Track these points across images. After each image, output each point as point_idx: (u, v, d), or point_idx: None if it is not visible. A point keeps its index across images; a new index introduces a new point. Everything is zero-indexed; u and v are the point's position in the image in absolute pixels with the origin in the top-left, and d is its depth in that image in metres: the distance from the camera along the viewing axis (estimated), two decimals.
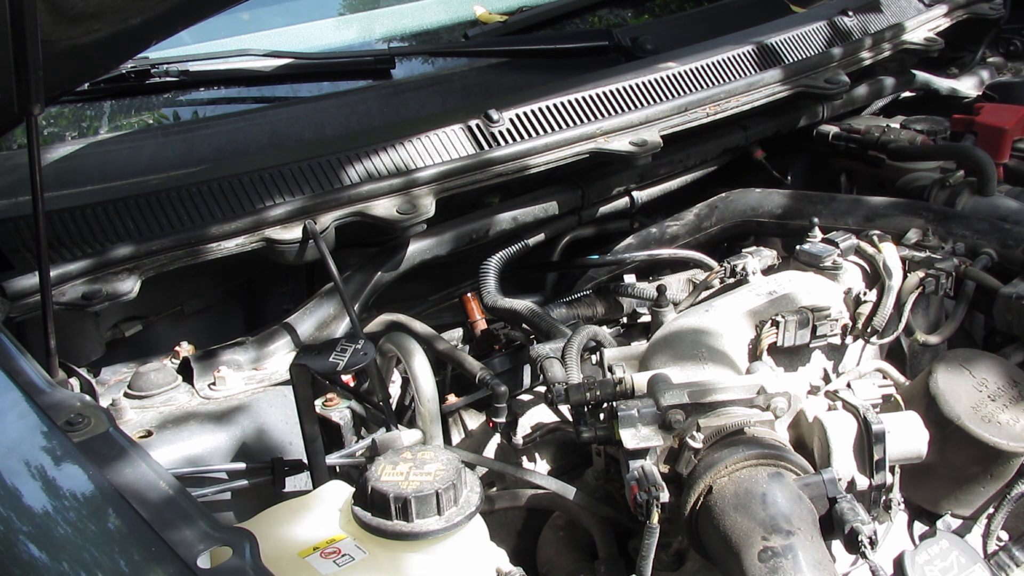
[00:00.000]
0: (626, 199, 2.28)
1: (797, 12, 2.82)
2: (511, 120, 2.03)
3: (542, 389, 1.63)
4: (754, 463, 1.34)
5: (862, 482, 1.43)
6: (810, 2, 2.90)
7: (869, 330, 1.75)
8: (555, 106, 2.08)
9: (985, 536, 1.62)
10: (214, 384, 1.60)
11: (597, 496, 1.55)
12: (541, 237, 2.14)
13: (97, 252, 1.62)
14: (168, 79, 2.13)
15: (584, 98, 2.12)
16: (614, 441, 1.42)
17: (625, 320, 2.02)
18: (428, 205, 1.83)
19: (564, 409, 1.61)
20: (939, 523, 1.63)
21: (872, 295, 1.76)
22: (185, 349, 1.68)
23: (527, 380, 1.86)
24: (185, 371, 1.63)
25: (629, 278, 2.09)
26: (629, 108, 2.13)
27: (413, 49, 2.53)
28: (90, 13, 1.40)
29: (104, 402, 1.53)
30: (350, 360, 1.48)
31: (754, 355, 1.65)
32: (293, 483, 1.50)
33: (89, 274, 1.59)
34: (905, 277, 1.82)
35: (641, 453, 1.37)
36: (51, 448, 1.14)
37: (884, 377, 1.70)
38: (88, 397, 1.25)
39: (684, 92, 2.22)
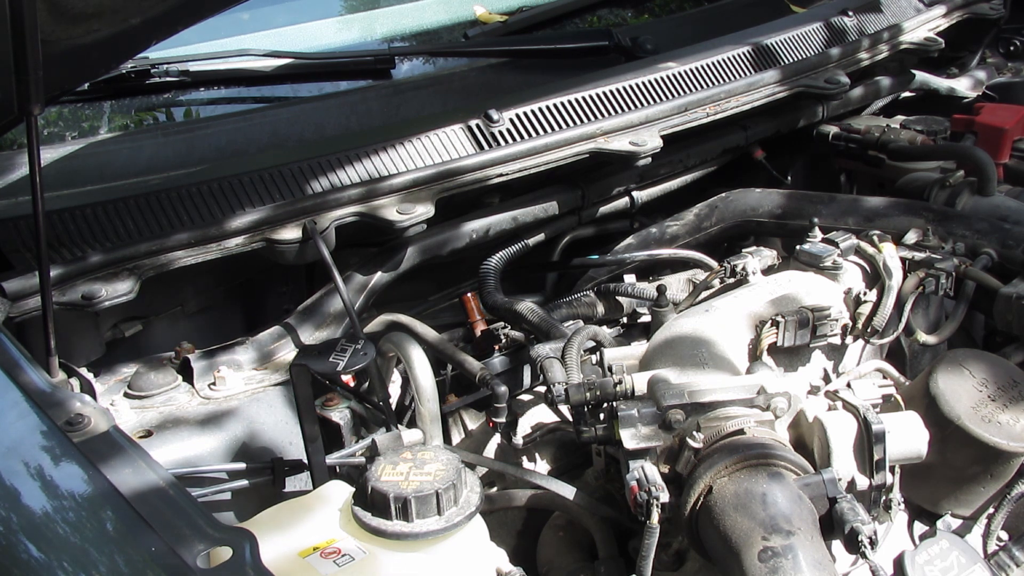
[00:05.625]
0: (626, 199, 2.28)
1: (797, 12, 2.82)
2: (511, 120, 2.03)
3: (542, 389, 1.63)
4: (754, 463, 1.34)
5: (862, 482, 1.43)
6: (810, 2, 2.90)
7: (869, 330, 1.75)
8: (555, 106, 2.08)
9: (985, 536, 1.62)
10: (214, 384, 1.60)
11: (597, 496, 1.55)
12: (541, 237, 2.14)
13: (97, 252, 1.62)
14: (168, 79, 2.13)
15: (584, 98, 2.12)
16: (614, 441, 1.42)
17: (625, 320, 2.02)
18: (428, 205, 1.83)
19: (564, 409, 1.61)
20: (939, 523, 1.63)
21: (872, 295, 1.76)
22: (185, 349, 1.68)
23: (527, 380, 1.86)
24: (185, 371, 1.63)
25: (629, 278, 2.09)
26: (629, 108, 2.13)
27: (413, 49, 2.53)
28: (90, 13, 1.40)
29: (104, 402, 1.53)
30: (350, 360, 1.48)
31: (754, 355, 1.65)
32: (293, 483, 1.50)
33: (89, 274, 1.59)
34: (905, 277, 1.82)
35: (641, 453, 1.38)
36: (51, 448, 1.14)
37: (884, 377, 1.70)
38: (88, 397, 1.25)
39: (684, 92, 2.22)
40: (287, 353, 1.71)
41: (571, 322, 1.90)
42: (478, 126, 2.00)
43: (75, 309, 1.58)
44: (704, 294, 1.86)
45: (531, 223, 2.09)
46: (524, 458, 1.66)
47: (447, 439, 1.71)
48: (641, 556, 1.30)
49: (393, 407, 1.72)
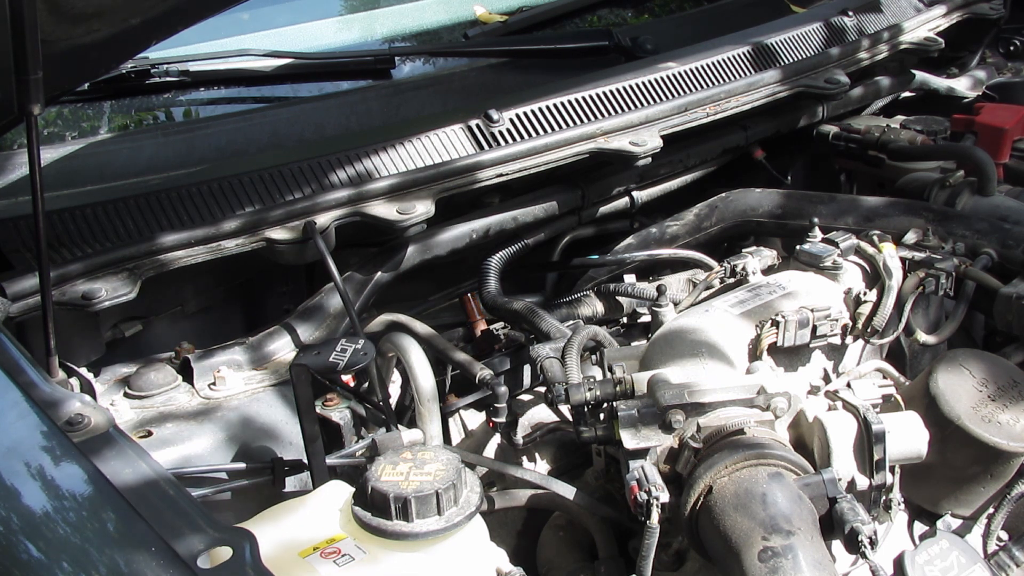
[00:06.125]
0: (626, 199, 2.28)
1: (797, 12, 2.82)
2: (511, 120, 2.03)
3: (542, 389, 1.63)
4: (754, 463, 1.34)
5: (862, 482, 1.43)
6: (810, 2, 2.90)
7: (869, 330, 1.75)
8: (555, 106, 2.08)
9: (985, 536, 1.62)
10: (214, 384, 1.60)
11: (597, 496, 1.55)
12: (541, 237, 2.14)
13: (97, 252, 1.62)
14: (168, 79, 2.13)
15: (584, 98, 2.12)
16: (614, 441, 1.42)
17: (625, 320, 2.02)
18: (428, 205, 1.83)
19: (564, 409, 1.61)
20: (939, 523, 1.63)
21: (872, 295, 1.76)
22: (185, 349, 1.68)
23: (527, 380, 1.87)
24: (185, 371, 1.63)
25: (629, 278, 2.09)
26: (629, 108, 2.13)
27: (413, 49, 2.53)
28: (90, 13, 1.40)
29: (104, 402, 1.53)
30: (350, 360, 1.48)
31: (754, 355, 1.65)
32: (293, 483, 1.50)
33: (89, 274, 1.59)
34: (905, 277, 1.82)
35: (641, 453, 1.38)
36: (51, 448, 1.14)
37: (884, 377, 1.70)
38: (88, 397, 1.25)
39: (684, 92, 2.22)
40: (287, 353, 1.71)
41: (571, 322, 1.90)
42: (478, 126, 2.01)
43: (75, 309, 1.58)
44: (704, 294, 1.86)
45: (531, 223, 2.09)
46: (524, 458, 1.66)
47: (447, 439, 1.71)
48: (641, 556, 1.30)
49: (393, 407, 1.72)
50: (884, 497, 1.45)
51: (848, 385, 1.54)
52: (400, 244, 1.91)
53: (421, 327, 1.81)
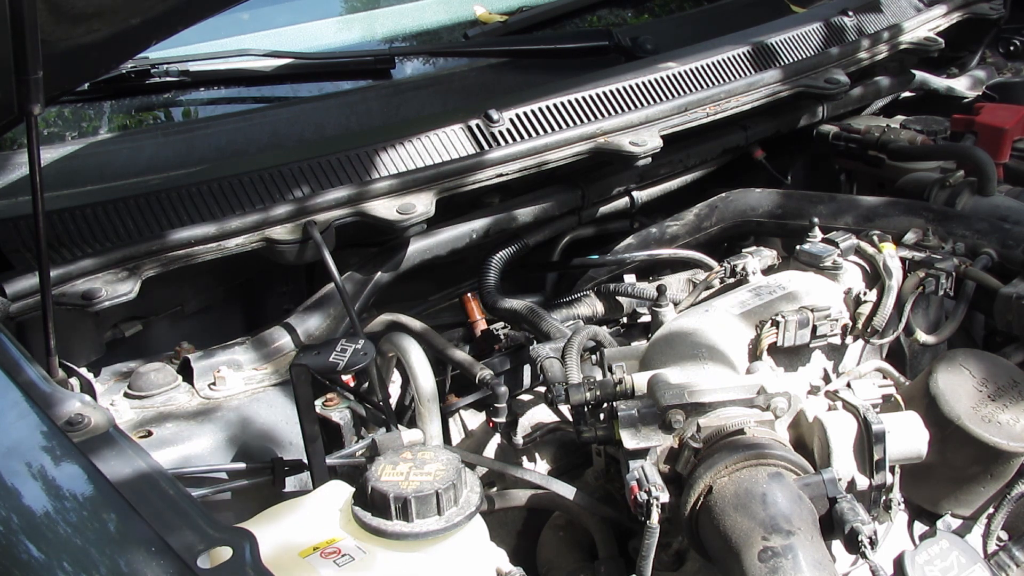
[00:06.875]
0: (626, 199, 2.28)
1: (797, 12, 2.82)
2: (511, 120, 2.03)
3: (542, 389, 1.63)
4: (754, 463, 1.34)
5: (862, 482, 1.43)
6: (810, 2, 2.90)
7: (869, 330, 1.75)
8: (555, 106, 2.08)
9: (985, 536, 1.62)
10: (214, 384, 1.60)
11: (597, 496, 1.55)
12: (541, 237, 2.14)
13: (97, 252, 1.62)
14: (168, 79, 2.13)
15: (584, 98, 2.12)
16: (614, 441, 1.43)
17: (625, 320, 2.02)
18: (428, 205, 1.83)
19: (564, 409, 1.61)
20: (939, 523, 1.63)
21: (872, 295, 1.76)
22: (185, 349, 1.68)
23: (527, 380, 1.87)
24: (185, 371, 1.63)
25: (629, 278, 2.09)
26: (629, 108, 2.13)
27: (413, 49, 2.53)
28: (90, 13, 1.40)
29: (104, 402, 1.53)
30: (350, 360, 1.48)
31: (754, 355, 1.65)
32: (293, 483, 1.50)
33: (89, 274, 1.59)
34: (905, 277, 1.82)
35: (641, 453, 1.38)
36: (51, 448, 1.14)
37: (884, 377, 1.70)
38: (88, 397, 1.25)
39: (684, 92, 2.22)
40: (287, 353, 1.71)
41: (571, 322, 1.90)
42: (478, 126, 2.01)
43: (75, 309, 1.58)
44: (704, 294, 1.86)
45: (531, 223, 2.09)
46: (524, 458, 1.66)
47: (447, 439, 1.71)
48: (641, 556, 1.30)
49: (393, 407, 1.72)
50: (884, 497, 1.45)
51: (848, 385, 1.54)
52: (400, 244, 1.91)
53: (420, 327, 1.81)
